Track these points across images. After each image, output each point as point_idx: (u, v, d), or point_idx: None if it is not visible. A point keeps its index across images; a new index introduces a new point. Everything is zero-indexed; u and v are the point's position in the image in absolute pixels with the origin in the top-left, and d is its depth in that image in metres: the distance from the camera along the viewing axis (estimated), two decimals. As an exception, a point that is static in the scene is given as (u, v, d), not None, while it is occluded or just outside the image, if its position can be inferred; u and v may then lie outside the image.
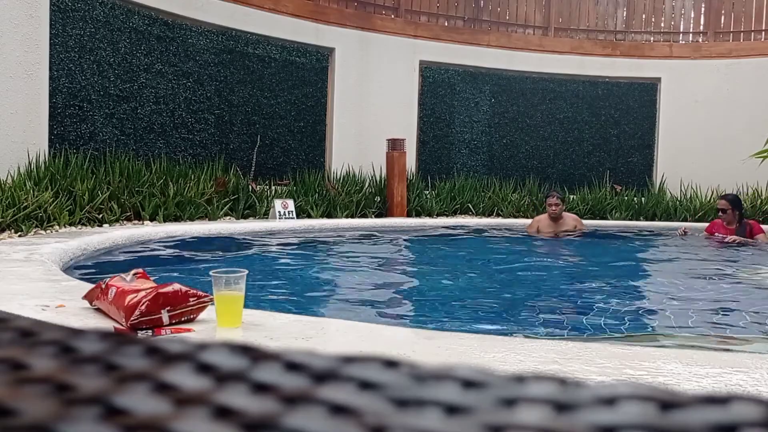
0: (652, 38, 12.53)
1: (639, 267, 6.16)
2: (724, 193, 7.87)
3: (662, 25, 12.63)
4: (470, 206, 10.29)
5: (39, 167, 6.43)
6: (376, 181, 9.83)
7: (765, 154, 5.86)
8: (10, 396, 0.25)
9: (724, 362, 1.92)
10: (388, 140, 9.54)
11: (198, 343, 0.32)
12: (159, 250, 5.43)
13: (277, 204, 7.91)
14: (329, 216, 8.69)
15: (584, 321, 3.24)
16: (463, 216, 10.09)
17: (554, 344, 2.17)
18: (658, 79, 12.05)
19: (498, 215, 10.27)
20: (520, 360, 1.87)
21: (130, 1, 8.05)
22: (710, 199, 10.88)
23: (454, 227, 8.64)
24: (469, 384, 0.27)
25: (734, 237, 6.99)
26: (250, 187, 8.41)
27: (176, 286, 2.23)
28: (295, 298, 3.86)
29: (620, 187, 11.45)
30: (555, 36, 12.35)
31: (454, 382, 0.27)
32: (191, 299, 2.22)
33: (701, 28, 12.51)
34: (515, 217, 10.06)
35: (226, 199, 7.91)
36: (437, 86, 11.47)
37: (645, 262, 6.43)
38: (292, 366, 0.29)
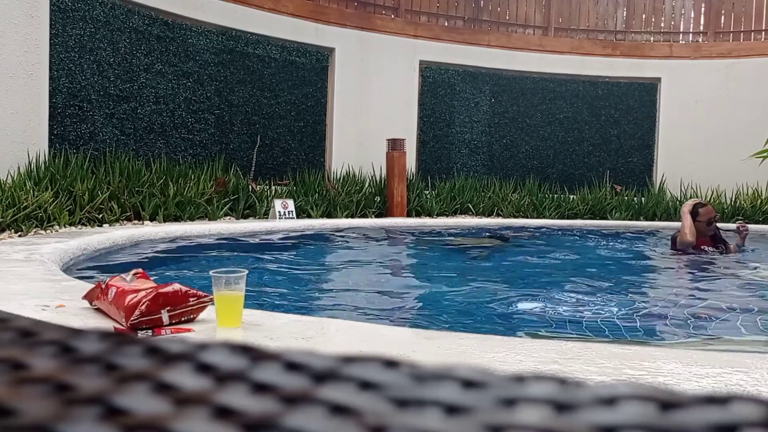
0: (652, 38, 12.53)
1: (636, 267, 6.15)
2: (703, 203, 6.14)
3: (662, 25, 12.63)
4: (470, 206, 10.29)
5: (39, 167, 6.43)
6: (376, 181, 9.83)
7: (765, 154, 5.85)
8: (10, 396, 0.25)
9: (724, 362, 1.92)
10: (388, 140, 9.54)
11: (198, 343, 0.32)
12: (159, 250, 5.43)
13: (277, 204, 7.91)
14: (329, 216, 8.69)
15: (583, 321, 3.24)
16: (463, 216, 10.09)
17: (554, 344, 2.17)
18: (658, 79, 12.05)
19: (498, 215, 10.27)
20: (520, 360, 1.87)
21: (130, 1, 8.05)
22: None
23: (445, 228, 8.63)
24: (469, 384, 0.27)
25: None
26: (250, 187, 8.41)
27: (176, 286, 2.23)
28: (295, 298, 3.87)
29: (620, 187, 11.46)
30: (555, 36, 12.36)
31: (454, 382, 0.27)
32: (191, 299, 2.22)
33: (701, 28, 12.51)
34: (515, 217, 10.05)
35: (226, 199, 7.91)
36: (437, 86, 11.47)
37: (641, 263, 6.43)
38: (292, 366, 0.29)
